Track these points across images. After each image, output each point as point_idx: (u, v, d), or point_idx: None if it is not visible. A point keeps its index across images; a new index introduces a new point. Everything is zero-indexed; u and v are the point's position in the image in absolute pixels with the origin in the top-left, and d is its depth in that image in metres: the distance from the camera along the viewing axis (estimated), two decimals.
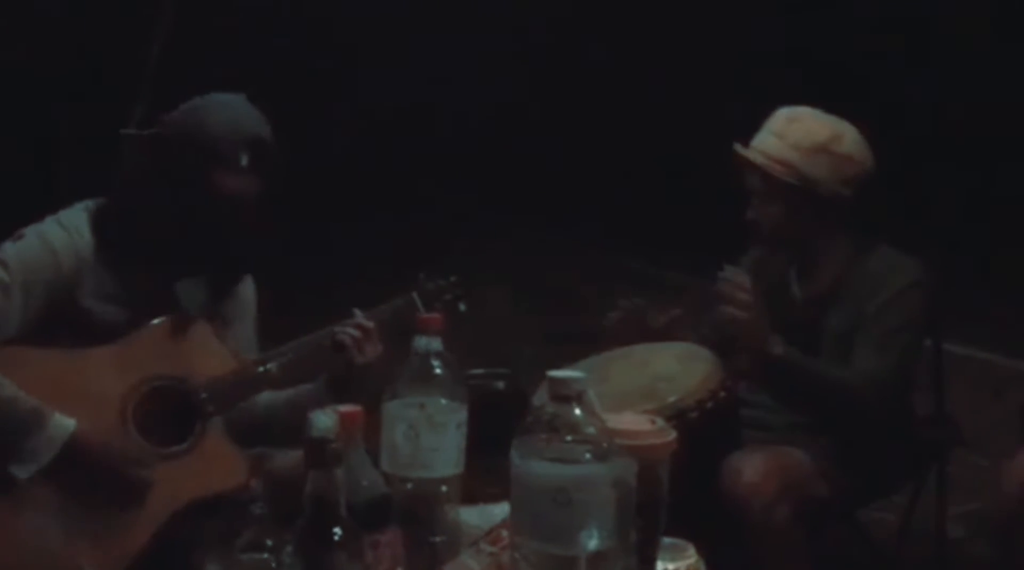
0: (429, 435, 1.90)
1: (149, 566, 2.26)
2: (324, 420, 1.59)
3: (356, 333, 2.53)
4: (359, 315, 2.57)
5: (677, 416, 2.49)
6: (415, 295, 2.65)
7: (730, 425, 2.74)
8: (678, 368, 2.71)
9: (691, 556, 1.82)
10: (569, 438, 1.65)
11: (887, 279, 2.78)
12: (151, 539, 2.30)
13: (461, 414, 1.96)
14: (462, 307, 2.70)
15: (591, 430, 1.70)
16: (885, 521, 3.21)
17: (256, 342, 2.71)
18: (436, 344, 1.94)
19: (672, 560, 1.80)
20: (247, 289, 2.72)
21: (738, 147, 2.81)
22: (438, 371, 1.94)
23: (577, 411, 1.69)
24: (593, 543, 1.64)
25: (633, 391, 2.67)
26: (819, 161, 2.73)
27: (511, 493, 1.69)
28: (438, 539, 1.92)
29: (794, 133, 2.76)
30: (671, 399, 2.58)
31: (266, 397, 2.62)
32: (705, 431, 2.55)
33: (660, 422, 1.96)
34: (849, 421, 2.72)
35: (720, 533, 2.56)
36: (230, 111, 2.49)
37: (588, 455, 1.65)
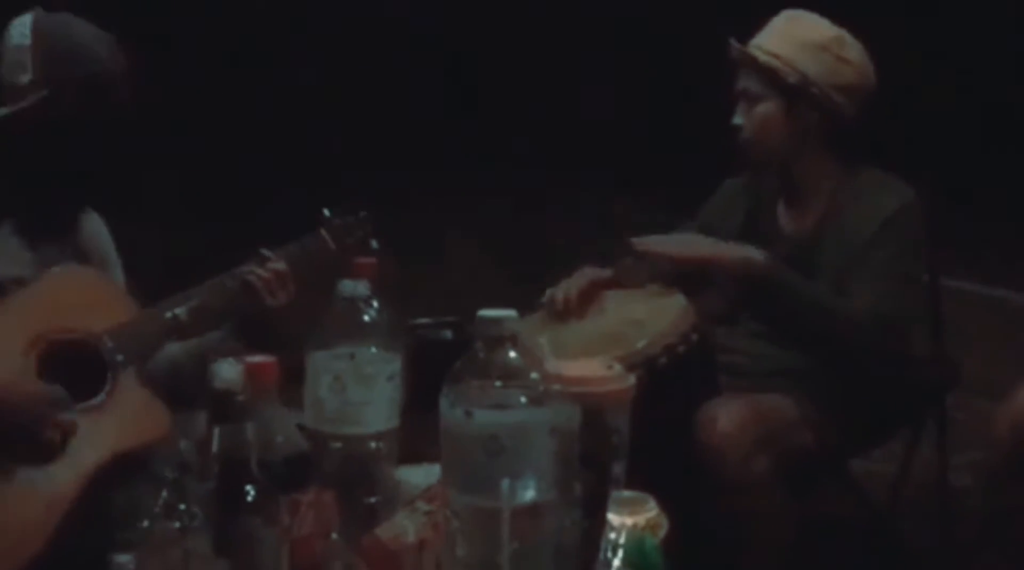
0: (357, 388, 1.88)
1: (62, 542, 2.19)
2: (227, 370, 1.56)
3: (265, 273, 2.50)
4: (267, 254, 2.54)
5: (646, 362, 2.47)
6: (323, 231, 2.62)
7: (706, 371, 2.71)
8: (646, 311, 2.69)
9: (652, 509, 1.77)
10: (499, 383, 1.63)
11: (875, 205, 2.76)
12: (73, 505, 2.17)
13: (394, 364, 1.94)
14: (374, 244, 2.66)
15: (532, 375, 1.67)
16: (884, 474, 3.18)
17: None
18: (363, 288, 1.92)
19: (631, 514, 1.76)
20: (98, 226, 2.62)
21: (733, 43, 2.82)
22: (367, 318, 1.92)
23: (512, 354, 1.66)
24: (528, 494, 1.62)
25: (600, 337, 2.65)
26: (817, 58, 2.76)
27: (441, 445, 1.67)
28: (374, 500, 1.90)
29: (794, 30, 2.81)
30: (639, 344, 2.56)
31: (168, 351, 2.56)
32: (678, 378, 2.54)
33: (617, 367, 1.94)
34: (849, 355, 2.69)
35: (695, 488, 2.57)
36: (75, 20, 2.45)
37: (523, 400, 1.63)
